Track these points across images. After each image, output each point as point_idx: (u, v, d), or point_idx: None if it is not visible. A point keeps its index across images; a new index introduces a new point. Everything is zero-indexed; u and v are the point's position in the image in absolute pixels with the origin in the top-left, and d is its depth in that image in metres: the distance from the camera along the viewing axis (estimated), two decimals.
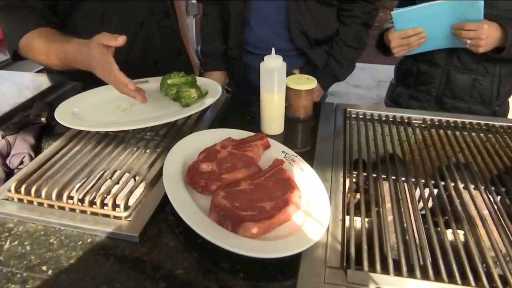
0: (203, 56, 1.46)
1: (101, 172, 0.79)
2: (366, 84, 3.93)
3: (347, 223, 0.69)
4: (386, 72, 3.96)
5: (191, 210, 0.67)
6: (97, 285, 0.59)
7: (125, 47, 0.85)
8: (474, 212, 0.74)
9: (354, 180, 0.82)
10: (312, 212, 0.67)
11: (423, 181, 0.80)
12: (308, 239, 0.62)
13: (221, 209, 0.65)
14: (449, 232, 0.69)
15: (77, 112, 0.95)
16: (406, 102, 1.31)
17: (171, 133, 0.93)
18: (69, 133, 0.92)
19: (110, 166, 0.80)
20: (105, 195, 0.72)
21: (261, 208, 0.66)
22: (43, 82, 1.19)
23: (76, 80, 1.21)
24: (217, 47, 1.41)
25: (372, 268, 0.60)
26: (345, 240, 0.65)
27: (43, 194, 0.72)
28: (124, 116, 0.95)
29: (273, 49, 0.89)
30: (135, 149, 0.86)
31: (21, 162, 0.86)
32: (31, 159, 0.86)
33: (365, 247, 0.63)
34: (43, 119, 0.97)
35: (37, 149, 0.92)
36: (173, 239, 0.66)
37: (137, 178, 0.78)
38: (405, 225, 0.72)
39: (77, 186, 0.74)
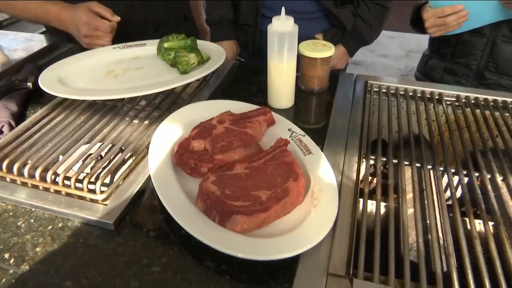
0: (209, 24, 1.31)
1: (83, 146, 0.70)
2: (394, 54, 3.70)
3: (358, 219, 0.58)
4: (417, 41, 3.72)
5: (176, 196, 0.58)
6: (60, 280, 0.51)
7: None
8: None
9: (371, 164, 0.70)
10: (317, 205, 0.57)
11: (453, 170, 0.68)
12: (308, 238, 0.51)
13: (208, 197, 0.55)
14: (481, 234, 0.58)
15: (63, 77, 0.86)
16: (440, 76, 1.15)
17: (166, 103, 0.83)
18: (54, 101, 0.83)
19: (94, 139, 0.71)
20: (83, 173, 0.63)
21: (255, 198, 0.56)
22: (38, 43, 1.10)
23: (74, 41, 1.11)
24: (226, 13, 1.26)
25: (385, 277, 0.50)
26: (354, 241, 0.54)
27: (15, 169, 0.64)
28: (115, 83, 0.85)
29: (283, 9, 0.76)
30: (124, 120, 0.77)
31: (1, 132, 0.78)
32: (11, 128, 0.78)
33: (377, 248, 0.53)
34: (29, 84, 0.89)
35: (21, 117, 0.84)
36: (153, 229, 0.57)
37: (122, 154, 0.68)
38: (428, 222, 0.61)
39: (53, 162, 0.66)
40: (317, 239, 0.51)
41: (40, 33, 1.46)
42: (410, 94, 0.90)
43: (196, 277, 0.51)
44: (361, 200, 0.62)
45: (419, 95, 0.90)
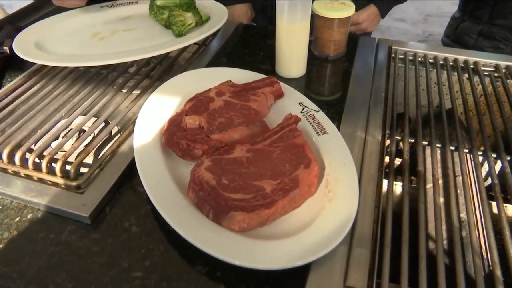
0: None
1: (62, 120, 0.60)
2: (411, 18, 3.48)
3: (381, 212, 0.49)
4: (436, 5, 3.49)
5: (163, 184, 0.48)
6: (24, 286, 0.42)
7: None
8: None
9: (397, 148, 0.59)
10: (333, 199, 0.47)
11: (494, 155, 0.57)
12: (322, 242, 0.42)
13: (201, 187, 0.45)
14: None
15: (42, 41, 0.75)
16: (474, 41, 1.01)
17: (159, 71, 0.72)
18: (31, 69, 0.73)
19: (74, 111, 0.61)
20: (61, 153, 0.54)
21: (258, 189, 0.46)
22: (19, 1, 0.98)
23: None
24: None
25: None
26: (378, 244, 0.44)
27: None
28: (101, 47, 0.74)
29: None
30: (110, 89, 0.66)
31: None
32: None
33: (405, 255, 0.43)
34: (5, 48, 0.78)
35: None
36: (137, 223, 0.48)
37: (106, 128, 0.58)
38: (462, 217, 0.52)
39: (26, 140, 0.57)
40: (333, 243, 0.42)
41: None
42: (441, 62, 0.78)
43: (185, 286, 0.42)
44: (385, 191, 0.52)
45: (451, 64, 0.77)
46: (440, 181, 0.55)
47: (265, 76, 0.66)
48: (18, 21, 0.92)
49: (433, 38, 3.20)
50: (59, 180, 0.51)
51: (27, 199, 0.50)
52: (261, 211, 0.43)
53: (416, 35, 3.28)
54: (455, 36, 1.07)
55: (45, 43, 0.74)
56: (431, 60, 0.78)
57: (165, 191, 0.47)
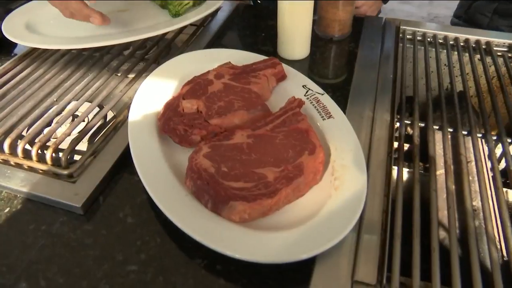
0: None
1: (54, 105, 0.58)
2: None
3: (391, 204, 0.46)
4: None
5: (159, 171, 0.45)
6: (14, 281, 0.40)
7: None
8: None
9: (406, 133, 0.56)
10: (339, 187, 0.44)
11: (509, 140, 0.54)
12: (328, 233, 0.39)
13: (199, 175, 0.43)
14: None
15: (32, 23, 0.71)
16: (489, 21, 0.96)
17: (154, 53, 0.69)
18: (22, 53, 0.69)
19: (66, 95, 0.58)
20: (53, 139, 0.51)
21: (260, 177, 0.43)
22: None
23: None
24: None
25: (427, 283, 0.38)
26: (388, 236, 0.42)
27: None
28: (94, 29, 0.70)
29: None
30: (104, 72, 0.63)
31: None
32: None
33: (417, 246, 0.41)
34: None
35: None
36: (132, 213, 0.46)
37: (99, 113, 0.56)
38: (474, 205, 0.49)
39: (16, 126, 0.54)
40: (340, 234, 0.39)
41: None
42: (451, 43, 0.74)
43: (182, 280, 0.39)
44: (395, 177, 0.50)
45: (462, 44, 0.74)
46: (452, 168, 0.53)
47: (267, 57, 0.62)
48: (9, 3, 0.88)
49: (438, 20, 3.13)
50: (50, 168, 0.49)
51: (16, 189, 0.48)
52: (263, 200, 0.40)
53: (421, 18, 3.21)
54: (467, 15, 1.02)
55: (36, 25, 0.71)
56: (440, 41, 0.75)
57: (161, 179, 0.45)
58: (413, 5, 3.39)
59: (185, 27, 0.70)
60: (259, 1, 1.16)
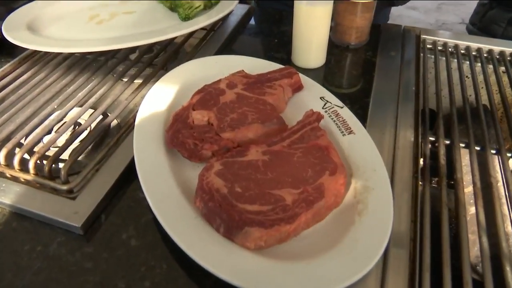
0: None
1: (55, 112, 0.54)
2: (423, 6, 3.37)
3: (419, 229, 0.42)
4: None
5: (166, 190, 0.42)
6: None
7: None
8: None
9: (430, 150, 0.53)
10: (363, 212, 0.40)
11: None
12: (353, 265, 0.35)
13: (210, 196, 0.39)
14: None
15: (35, 24, 0.68)
16: (503, 30, 0.93)
17: (163, 58, 0.65)
18: (23, 55, 0.66)
19: (69, 102, 0.55)
20: (53, 149, 0.47)
21: (277, 199, 0.39)
22: None
23: None
24: None
25: None
26: (417, 266, 0.38)
27: None
28: (99, 31, 0.67)
29: None
30: (109, 78, 0.60)
31: None
32: None
33: (447, 279, 0.37)
34: None
35: None
36: (136, 235, 0.42)
37: (104, 121, 0.52)
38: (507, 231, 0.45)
39: (14, 135, 0.50)
40: (365, 266, 0.35)
41: None
42: (474, 53, 0.70)
43: None
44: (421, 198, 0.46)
45: (485, 55, 0.70)
46: (480, 190, 0.49)
47: (282, 66, 0.59)
48: (11, 2, 0.85)
49: (446, 27, 3.10)
50: (48, 182, 0.45)
51: (11, 205, 0.44)
52: (281, 226, 0.37)
53: (428, 24, 3.18)
54: (482, 24, 0.99)
55: (38, 26, 0.68)
56: (463, 51, 0.71)
57: (168, 198, 0.41)
58: (420, 11, 3.36)
59: (195, 31, 0.66)
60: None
